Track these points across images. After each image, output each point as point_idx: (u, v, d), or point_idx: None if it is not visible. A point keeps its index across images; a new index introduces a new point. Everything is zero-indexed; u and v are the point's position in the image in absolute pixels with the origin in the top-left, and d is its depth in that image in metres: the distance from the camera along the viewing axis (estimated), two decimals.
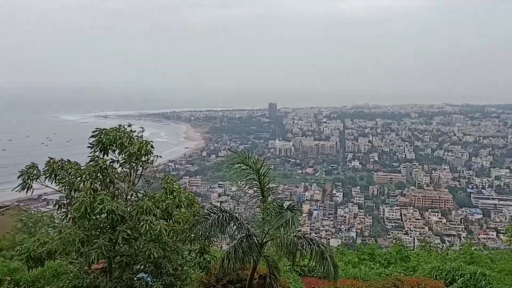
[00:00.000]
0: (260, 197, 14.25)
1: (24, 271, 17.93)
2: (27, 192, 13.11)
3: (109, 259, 12.70)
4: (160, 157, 14.52)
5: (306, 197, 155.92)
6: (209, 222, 13.20)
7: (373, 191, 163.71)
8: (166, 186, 13.15)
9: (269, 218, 13.56)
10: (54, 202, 14.26)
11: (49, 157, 13.27)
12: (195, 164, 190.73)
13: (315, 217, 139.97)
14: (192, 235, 13.22)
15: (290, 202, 15.74)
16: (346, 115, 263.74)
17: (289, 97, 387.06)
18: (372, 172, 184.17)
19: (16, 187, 13.01)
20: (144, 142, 13.23)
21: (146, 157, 13.27)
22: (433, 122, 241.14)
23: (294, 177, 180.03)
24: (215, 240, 14.51)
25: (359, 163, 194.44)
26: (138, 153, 12.91)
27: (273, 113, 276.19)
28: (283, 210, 13.29)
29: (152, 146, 13.53)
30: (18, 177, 13.03)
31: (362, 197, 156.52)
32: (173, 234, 13.00)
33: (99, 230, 12.14)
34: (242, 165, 14.27)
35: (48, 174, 12.93)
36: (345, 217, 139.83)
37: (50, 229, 25.58)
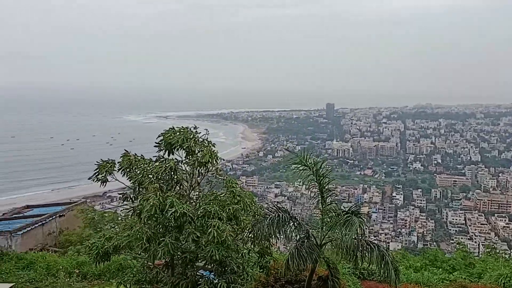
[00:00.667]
0: (319, 199, 14.07)
1: (91, 265, 18.81)
2: (102, 184, 13.68)
3: (172, 256, 12.98)
4: (223, 160, 14.73)
5: (365, 199, 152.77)
6: (268, 221, 13.21)
7: (436, 194, 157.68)
8: (232, 190, 13.28)
9: (328, 220, 13.39)
10: (118, 199, 14.81)
11: (125, 150, 13.79)
12: (252, 164, 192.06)
13: (374, 220, 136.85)
14: (252, 235, 13.29)
15: (350, 204, 15.44)
16: (407, 115, 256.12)
17: (348, 98, 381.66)
18: (435, 174, 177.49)
19: (92, 176, 13.57)
20: (211, 148, 13.41)
21: (212, 162, 13.48)
22: (500, 122, 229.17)
23: (352, 178, 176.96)
24: (273, 240, 14.51)
25: (421, 165, 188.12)
26: (207, 159, 13.13)
27: (331, 113, 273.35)
28: (345, 213, 13.04)
29: (216, 152, 13.74)
30: (95, 170, 13.59)
31: (423, 200, 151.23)
32: (236, 236, 13.16)
33: (165, 228, 12.47)
34: (300, 165, 14.17)
35: (123, 167, 13.39)
36: (405, 220, 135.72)
37: (114, 225, 26.59)
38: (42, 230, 28.20)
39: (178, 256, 13.10)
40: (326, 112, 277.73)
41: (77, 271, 20.42)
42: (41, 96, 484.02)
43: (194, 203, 13.00)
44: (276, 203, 15.09)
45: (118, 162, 13.57)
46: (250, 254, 14.63)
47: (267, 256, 14.61)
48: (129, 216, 13.57)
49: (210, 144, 13.53)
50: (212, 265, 12.87)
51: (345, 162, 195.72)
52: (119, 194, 14.09)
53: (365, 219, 13.28)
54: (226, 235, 11.67)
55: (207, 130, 14.23)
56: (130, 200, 13.63)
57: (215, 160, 13.39)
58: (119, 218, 28.62)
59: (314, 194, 14.18)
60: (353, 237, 13.05)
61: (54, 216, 29.64)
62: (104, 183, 13.63)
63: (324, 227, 13.48)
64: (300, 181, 14.28)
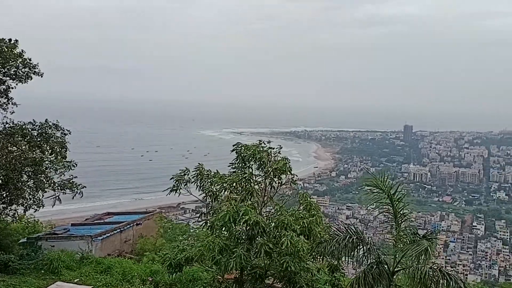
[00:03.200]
0: (392, 223, 13.66)
1: (164, 274, 19.50)
2: (175, 193, 14.33)
3: (242, 270, 13.16)
4: (297, 175, 14.85)
5: (442, 227, 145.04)
6: (337, 241, 13.01)
7: None
8: (306, 203, 13.39)
9: (401, 245, 12.93)
10: (190, 211, 15.42)
11: (199, 163, 14.37)
12: (323, 184, 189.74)
13: (452, 250, 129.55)
14: (319, 253, 13.15)
15: (425, 230, 14.75)
16: (491, 141, 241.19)
17: (427, 120, 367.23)
18: None
19: (167, 189, 14.27)
20: (285, 160, 13.68)
21: (285, 174, 13.67)
22: None
23: (429, 204, 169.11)
24: (342, 261, 14.27)
25: (505, 195, 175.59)
26: (280, 170, 13.37)
27: (409, 136, 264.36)
28: (418, 238, 12.55)
29: (289, 165, 13.92)
30: (171, 179, 14.27)
31: (507, 232, 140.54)
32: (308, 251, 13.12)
33: (236, 240, 12.70)
34: (374, 188, 13.87)
35: (195, 180, 13.94)
36: (486, 252, 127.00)
37: (186, 236, 27.39)
38: (120, 237, 29.62)
39: (248, 272, 13.25)
40: (404, 134, 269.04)
41: (150, 279, 21.21)
42: (125, 108, 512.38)
43: (267, 215, 13.16)
44: (347, 225, 14.80)
45: (192, 173, 14.13)
46: (320, 273, 14.46)
47: (337, 272, 14.37)
48: (202, 228, 14.02)
49: (283, 158, 13.78)
50: (281, 280, 12.88)
51: (422, 187, 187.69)
52: (194, 210, 14.72)
53: (435, 243, 12.66)
54: (300, 246, 11.65)
55: (280, 146, 14.52)
56: (204, 215, 14.07)
57: (289, 171, 13.58)
58: (191, 230, 29.50)
59: (387, 219, 13.80)
60: (428, 266, 12.53)
61: (131, 224, 31.04)
62: (179, 193, 14.26)
63: (397, 254, 13.03)
64: (373, 204, 13.91)
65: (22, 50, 20.06)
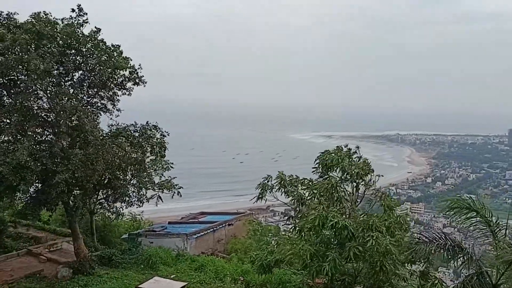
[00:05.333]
0: (489, 233, 12.89)
1: (254, 274, 19.90)
2: (261, 201, 14.71)
3: (331, 276, 13.10)
4: (382, 176, 14.54)
5: None
6: (433, 246, 12.49)
7: None
8: (383, 203, 13.15)
9: (503, 255, 12.09)
10: (280, 214, 15.73)
11: (278, 171, 14.62)
12: (418, 190, 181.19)
13: None
14: (411, 256, 12.72)
15: None
16: None
17: None
18: None
19: (253, 198, 14.68)
20: (365, 162, 13.52)
21: (367, 177, 13.49)
22: None
23: None
24: (438, 272, 13.70)
25: None
26: (361, 173, 13.24)
27: None
28: None
29: (371, 167, 13.70)
30: (256, 188, 14.68)
31: None
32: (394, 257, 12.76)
33: (326, 245, 12.71)
34: (454, 207, 13.16)
35: (278, 186, 14.21)
36: None
37: (276, 238, 27.73)
38: (213, 236, 30.73)
39: (337, 278, 13.17)
40: (509, 139, 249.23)
41: (242, 279, 21.73)
42: (214, 111, 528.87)
43: (355, 219, 13.01)
44: (443, 233, 14.12)
45: (274, 180, 14.37)
46: (412, 278, 13.95)
47: (429, 278, 13.76)
48: (291, 231, 14.18)
49: (364, 160, 13.59)
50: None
51: None
52: (283, 213, 15.00)
53: None
54: (387, 244, 11.42)
55: (357, 146, 14.34)
56: (293, 219, 14.23)
57: (370, 173, 13.39)
58: (282, 233, 29.80)
59: (483, 229, 13.04)
60: None
61: (224, 224, 32.07)
62: (265, 200, 14.60)
63: (500, 265, 12.21)
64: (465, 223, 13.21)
65: (129, 58, 21.18)
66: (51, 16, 19.60)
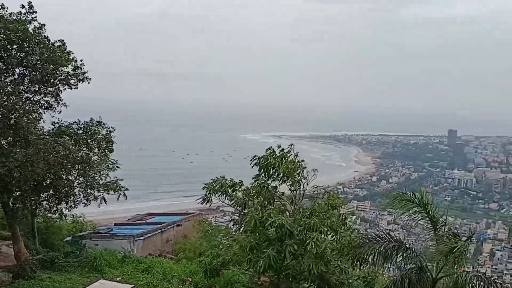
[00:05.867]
0: (430, 227, 13.46)
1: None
2: (208, 204, 14.71)
3: (278, 273, 13.26)
4: (317, 170, 14.85)
5: (488, 235, 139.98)
6: (375, 246, 12.88)
7: None
8: (327, 202, 13.46)
9: (441, 250, 12.65)
10: (230, 214, 15.80)
11: (217, 177, 14.67)
12: (364, 189, 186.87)
13: (498, 259, 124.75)
14: (356, 257, 13.06)
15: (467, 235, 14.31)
16: None
17: (473, 124, 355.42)
18: None
19: (199, 199, 14.63)
20: (292, 161, 13.83)
21: (297, 175, 13.81)
22: None
23: (474, 211, 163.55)
24: (381, 268, 14.14)
25: None
26: (290, 172, 13.58)
27: (453, 140, 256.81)
28: (457, 238, 12.28)
29: (301, 166, 14.02)
30: (203, 188, 14.64)
31: None
32: (337, 252, 13.05)
33: (268, 241, 12.87)
34: (401, 199, 13.67)
35: (220, 191, 14.27)
36: None
37: (226, 238, 27.74)
38: (161, 237, 30.29)
39: (284, 274, 13.34)
40: (448, 139, 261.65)
41: (190, 279, 21.55)
42: (161, 111, 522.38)
43: (294, 217, 13.23)
44: (387, 231, 14.59)
45: (215, 184, 14.40)
46: (355, 270, 14.37)
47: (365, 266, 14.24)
48: (238, 233, 14.31)
49: (292, 159, 13.91)
50: (314, 281, 12.90)
51: (467, 194, 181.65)
52: (233, 213, 15.03)
53: (484, 254, 12.28)
54: (324, 247, 11.67)
55: (292, 144, 14.67)
56: (239, 224, 14.34)
57: (300, 171, 13.72)
58: (230, 233, 29.81)
59: (426, 223, 13.60)
60: (472, 273, 12.24)
61: (172, 225, 31.69)
62: (210, 204, 14.64)
63: (440, 260, 12.75)
64: (406, 213, 13.72)
65: (72, 56, 20.75)
66: None
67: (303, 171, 14.15)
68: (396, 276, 12.66)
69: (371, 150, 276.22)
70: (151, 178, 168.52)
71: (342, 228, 13.10)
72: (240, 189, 14.46)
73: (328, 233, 12.69)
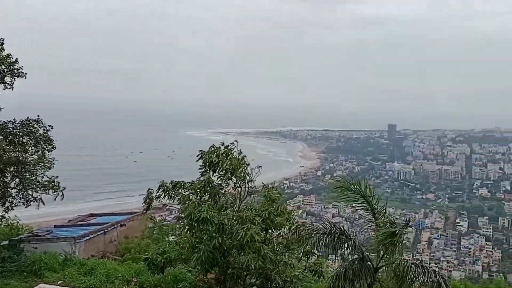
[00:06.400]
0: (372, 219, 13.87)
1: (148, 274, 19.43)
2: (148, 209, 14.57)
3: (223, 270, 13.24)
4: (260, 167, 14.92)
5: (426, 224, 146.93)
6: (319, 236, 13.12)
7: (504, 223, 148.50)
8: (266, 194, 13.58)
9: (380, 238, 13.07)
10: (177, 211, 15.55)
11: (159, 182, 14.52)
12: (309, 183, 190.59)
13: (435, 246, 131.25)
14: (300, 248, 13.24)
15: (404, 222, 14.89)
16: (473, 139, 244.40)
17: (410, 119, 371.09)
18: (503, 202, 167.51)
19: (143, 210, 14.50)
20: (235, 158, 13.88)
21: (241, 171, 13.88)
22: None
23: (413, 202, 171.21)
24: (326, 259, 14.45)
25: (488, 191, 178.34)
26: (233, 168, 13.62)
27: (392, 134, 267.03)
28: (394, 226, 12.76)
29: (245, 162, 14.11)
30: (145, 197, 14.50)
31: (490, 229, 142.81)
32: (282, 247, 13.18)
33: (208, 238, 12.81)
34: (345, 190, 14.02)
35: (163, 195, 14.13)
36: (469, 248, 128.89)
37: (172, 237, 27.43)
38: (104, 238, 29.40)
39: (229, 272, 13.34)
40: (388, 133, 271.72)
41: (135, 280, 21.10)
42: (106, 108, 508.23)
43: (237, 214, 13.24)
44: (331, 222, 14.90)
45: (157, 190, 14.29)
46: (301, 263, 14.57)
47: (311, 256, 14.52)
48: (182, 232, 14.20)
49: (235, 156, 13.98)
50: (259, 279, 12.96)
51: (406, 185, 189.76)
52: (177, 212, 14.83)
53: (422, 243, 12.81)
54: (251, 233, 11.75)
55: (236, 141, 14.70)
56: (183, 221, 14.20)
57: (244, 167, 13.79)
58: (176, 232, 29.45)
59: (366, 213, 14.01)
60: (411, 261, 12.72)
61: (116, 225, 30.83)
62: (147, 210, 14.50)
63: (380, 250, 13.17)
64: (348, 204, 14.10)
65: (7, 54, 19.97)
66: None
67: (246, 168, 14.15)
68: (340, 268, 12.94)
69: (315, 145, 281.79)
70: (93, 178, 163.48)
71: (282, 217, 13.21)
72: (183, 187, 14.28)
73: (263, 223, 12.76)
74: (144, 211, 14.58)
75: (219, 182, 14.04)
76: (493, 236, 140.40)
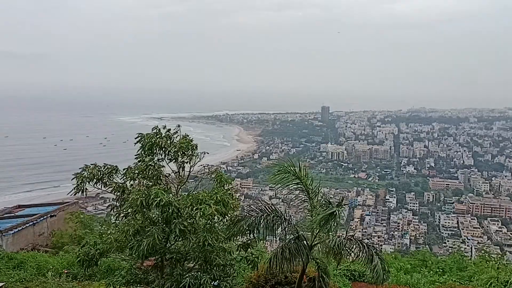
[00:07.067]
0: (307, 199, 14.12)
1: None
2: (82, 194, 13.69)
3: (161, 256, 13.01)
4: (207, 153, 14.77)
5: (359, 202, 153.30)
6: (255, 219, 13.23)
7: (429, 197, 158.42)
8: (218, 178, 13.48)
9: (315, 216, 13.35)
10: (111, 200, 14.87)
11: (85, 164, 13.75)
12: (246, 167, 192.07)
13: (367, 223, 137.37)
14: (236, 230, 13.24)
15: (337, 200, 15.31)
16: (401, 119, 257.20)
17: (343, 100, 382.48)
18: (428, 178, 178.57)
19: (71, 191, 13.58)
20: (185, 140, 13.62)
21: (190, 154, 13.64)
22: (493, 127, 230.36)
23: (346, 181, 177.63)
24: (265, 240, 14.58)
25: (414, 169, 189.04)
26: (181, 151, 13.36)
27: (326, 116, 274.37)
28: (330, 205, 13.09)
29: (194, 144, 13.90)
30: (72, 179, 13.60)
31: (416, 204, 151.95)
32: (224, 230, 13.15)
33: (152, 224, 12.47)
34: (281, 172, 14.19)
35: (92, 179, 13.41)
36: (398, 223, 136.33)
37: (105, 226, 26.72)
38: (33, 230, 28.11)
39: (167, 257, 13.13)
40: (321, 115, 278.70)
41: (66, 271, 20.36)
42: (34, 95, 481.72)
43: (182, 196, 13.01)
44: (267, 204, 15.04)
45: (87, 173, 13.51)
46: (238, 251, 14.64)
47: (251, 248, 14.62)
48: (116, 219, 13.69)
49: (186, 138, 13.73)
50: (198, 261, 12.87)
51: (340, 165, 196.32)
52: (114, 199, 14.14)
53: (343, 208, 13.23)
54: (211, 212, 11.69)
55: (178, 125, 14.39)
56: (117, 208, 13.65)
57: (193, 149, 13.57)
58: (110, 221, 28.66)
59: (301, 194, 14.25)
60: (343, 236, 13.13)
61: (45, 217, 29.56)
62: (85, 194, 13.66)
63: (314, 228, 13.48)
64: (285, 186, 14.28)
65: None
66: None
67: (196, 148, 13.87)
68: (277, 248, 13.14)
69: (252, 129, 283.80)
70: (21, 168, 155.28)
71: (232, 202, 13.14)
72: (116, 174, 13.66)
73: (217, 205, 12.65)
74: (75, 194, 13.63)
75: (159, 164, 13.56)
76: (419, 210, 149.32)
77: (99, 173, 13.34)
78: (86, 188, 13.54)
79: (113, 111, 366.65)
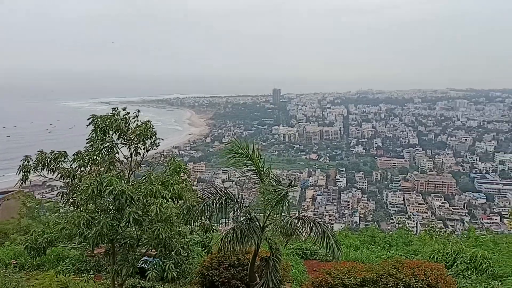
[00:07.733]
0: (259, 181, 14.28)
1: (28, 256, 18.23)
2: (25, 183, 13.22)
3: (112, 242, 12.80)
4: (162, 139, 14.52)
5: (310, 182, 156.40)
6: (207, 203, 13.30)
7: (377, 176, 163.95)
8: (175, 166, 13.28)
9: (267, 198, 13.53)
10: (58, 188, 14.42)
11: (38, 151, 13.29)
12: (199, 150, 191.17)
13: (319, 202, 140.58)
14: (190, 216, 13.22)
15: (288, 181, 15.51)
16: (350, 100, 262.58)
17: (294, 83, 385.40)
18: (376, 157, 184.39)
19: (17, 183, 13.11)
20: (147, 124, 13.31)
21: (149, 139, 13.36)
22: (436, 107, 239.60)
23: (298, 163, 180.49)
24: (218, 223, 14.66)
25: (363, 149, 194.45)
26: (141, 136, 13.03)
27: (277, 99, 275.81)
28: (279, 186, 13.33)
29: (153, 130, 13.59)
30: (18, 170, 13.11)
31: (365, 182, 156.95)
32: (179, 215, 13.07)
33: (103, 212, 12.16)
34: (234, 154, 14.25)
35: (41, 167, 12.97)
36: (348, 202, 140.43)
37: (54, 214, 25.97)
38: None
39: (120, 243, 12.94)
40: (273, 98, 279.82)
41: (14, 262, 19.73)
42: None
43: (135, 184, 12.75)
44: (219, 187, 15.11)
45: (34, 161, 13.04)
46: (193, 234, 14.68)
47: (210, 232, 14.70)
48: (64, 206, 13.31)
49: (145, 122, 13.43)
50: (156, 249, 12.77)
51: (291, 147, 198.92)
52: (62, 187, 13.66)
53: (307, 200, 13.55)
54: (170, 212, 11.58)
55: (138, 110, 14.03)
56: (66, 195, 13.23)
57: (153, 135, 13.30)
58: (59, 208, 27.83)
59: (253, 176, 14.40)
60: (294, 216, 13.43)
61: None
62: (24, 182, 13.18)
63: (266, 209, 13.70)
64: (238, 167, 14.38)
65: None
66: None
67: (155, 133, 13.54)
68: (228, 229, 13.27)
69: (203, 112, 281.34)
70: None
71: (187, 193, 13.03)
72: (65, 160, 13.19)
73: (173, 198, 12.49)
74: (20, 184, 13.11)
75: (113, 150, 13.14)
76: (368, 188, 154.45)
77: (45, 159, 12.89)
78: (29, 177, 13.06)
79: (58, 96, 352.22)
